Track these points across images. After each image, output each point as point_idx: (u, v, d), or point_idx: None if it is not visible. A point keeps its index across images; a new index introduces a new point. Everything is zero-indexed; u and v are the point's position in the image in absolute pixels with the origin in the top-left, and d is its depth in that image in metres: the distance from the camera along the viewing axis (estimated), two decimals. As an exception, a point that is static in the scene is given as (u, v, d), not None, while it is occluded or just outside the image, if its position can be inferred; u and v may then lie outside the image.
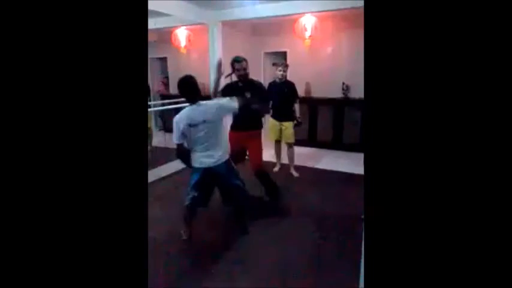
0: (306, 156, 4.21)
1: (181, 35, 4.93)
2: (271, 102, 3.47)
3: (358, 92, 4.45)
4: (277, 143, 3.69)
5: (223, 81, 2.58)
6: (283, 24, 4.64)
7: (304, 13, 4.02)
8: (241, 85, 2.59)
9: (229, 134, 2.71)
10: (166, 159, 3.68)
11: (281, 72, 3.38)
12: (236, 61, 2.54)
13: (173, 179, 3.56)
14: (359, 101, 4.37)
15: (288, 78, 3.49)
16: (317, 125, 4.80)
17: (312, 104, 4.74)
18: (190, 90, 1.98)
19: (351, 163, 3.87)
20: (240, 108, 2.18)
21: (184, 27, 4.84)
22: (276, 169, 3.76)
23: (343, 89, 4.57)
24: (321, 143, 4.78)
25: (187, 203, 2.14)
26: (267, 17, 3.97)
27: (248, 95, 2.52)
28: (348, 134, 4.57)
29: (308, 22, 4.20)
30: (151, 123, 3.89)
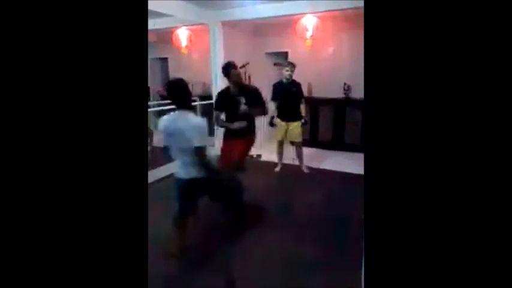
0: (309, 157, 4.20)
1: (182, 35, 4.92)
2: (277, 103, 3.48)
3: (359, 92, 4.43)
4: (280, 143, 3.70)
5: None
6: (285, 25, 4.63)
7: (305, 13, 4.02)
8: (234, 92, 2.57)
9: (222, 142, 2.72)
10: (166, 160, 3.66)
11: (288, 72, 3.41)
12: (229, 67, 2.50)
13: (173, 179, 3.55)
14: (360, 101, 4.36)
15: None
16: (318, 125, 4.80)
17: (313, 104, 4.72)
18: (179, 94, 1.82)
19: (355, 163, 3.81)
20: (236, 117, 2.16)
21: (185, 27, 4.83)
22: (277, 169, 3.76)
23: (344, 89, 4.56)
24: (322, 143, 4.77)
25: (173, 213, 2.04)
26: (268, 17, 3.98)
27: (243, 101, 2.52)
28: (349, 134, 4.56)
29: (309, 22, 4.20)
30: (151, 123, 3.88)
